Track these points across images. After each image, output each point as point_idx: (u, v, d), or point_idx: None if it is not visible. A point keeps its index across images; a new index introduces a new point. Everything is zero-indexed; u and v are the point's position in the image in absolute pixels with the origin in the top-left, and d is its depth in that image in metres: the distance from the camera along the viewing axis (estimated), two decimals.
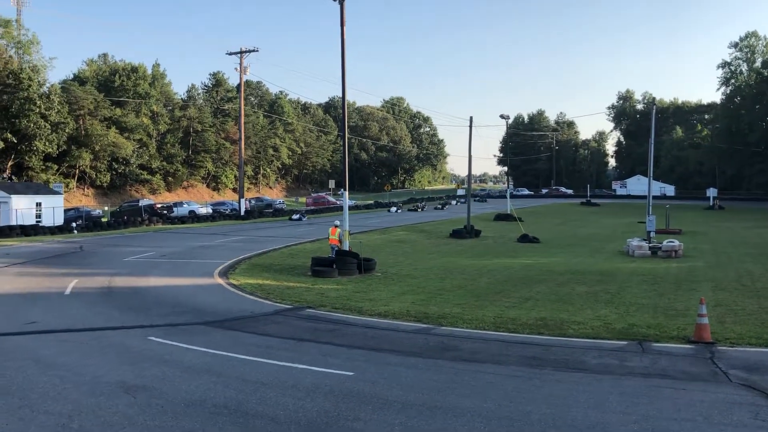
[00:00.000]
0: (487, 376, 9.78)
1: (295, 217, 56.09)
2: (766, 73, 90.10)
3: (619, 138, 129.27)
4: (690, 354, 11.33)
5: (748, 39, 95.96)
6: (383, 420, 7.69)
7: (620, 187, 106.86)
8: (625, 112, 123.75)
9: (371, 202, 78.06)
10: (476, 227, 42.24)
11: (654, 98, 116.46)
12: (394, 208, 68.74)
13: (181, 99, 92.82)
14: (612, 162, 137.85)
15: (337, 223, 26.53)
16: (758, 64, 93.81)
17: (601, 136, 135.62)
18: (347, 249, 25.18)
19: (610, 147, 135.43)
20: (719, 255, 30.13)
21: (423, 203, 78.39)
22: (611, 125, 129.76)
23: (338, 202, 64.13)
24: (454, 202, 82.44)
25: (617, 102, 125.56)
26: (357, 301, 17.31)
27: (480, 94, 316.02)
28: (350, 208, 42.66)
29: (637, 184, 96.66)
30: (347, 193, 26.92)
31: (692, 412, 8.08)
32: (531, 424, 7.58)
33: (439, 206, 76.22)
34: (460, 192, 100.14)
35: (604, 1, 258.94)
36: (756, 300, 17.26)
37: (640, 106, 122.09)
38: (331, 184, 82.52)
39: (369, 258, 24.53)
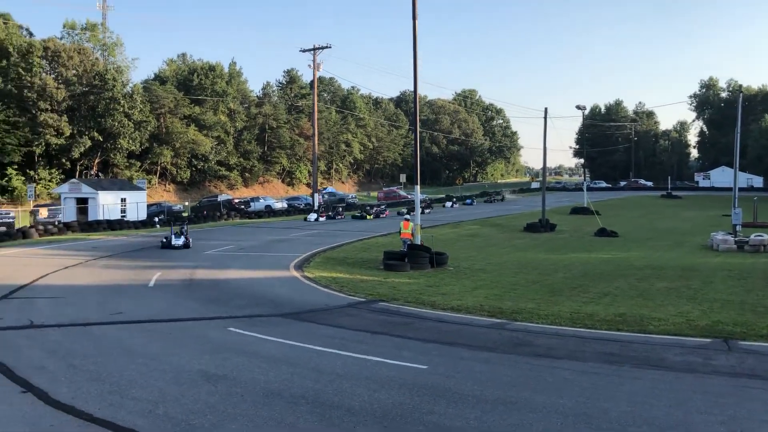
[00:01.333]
0: (563, 372, 9.61)
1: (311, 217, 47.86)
2: None
3: (701, 128, 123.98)
4: None
5: None
6: (458, 414, 7.68)
7: (703, 178, 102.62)
8: (708, 101, 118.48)
9: (443, 195, 77.72)
10: (551, 221, 41.55)
11: (740, 85, 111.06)
12: (313, 216, 48.39)
13: (257, 96, 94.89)
14: (694, 153, 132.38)
15: (408, 217, 26.60)
16: None
17: (682, 126, 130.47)
18: (419, 243, 25.21)
19: (692, 137, 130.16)
20: None
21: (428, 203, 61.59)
22: (693, 115, 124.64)
23: (409, 196, 64.20)
24: (449, 204, 66.69)
25: (700, 90, 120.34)
26: (429, 295, 17.33)
27: (555, 85, 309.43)
28: (422, 202, 42.50)
29: (721, 176, 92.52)
30: (419, 187, 26.93)
31: None
32: (609, 421, 7.40)
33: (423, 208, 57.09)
34: (534, 185, 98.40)
35: None
36: None
37: (724, 94, 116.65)
38: (402, 178, 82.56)
39: (441, 252, 24.48)
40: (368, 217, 49.87)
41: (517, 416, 7.58)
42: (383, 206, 58.75)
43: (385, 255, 24.14)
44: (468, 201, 72.05)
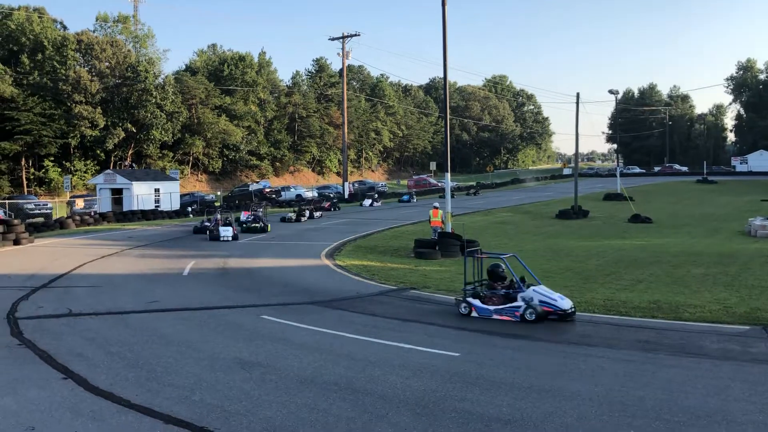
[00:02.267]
0: (597, 360, 9.52)
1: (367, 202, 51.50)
2: None
3: (738, 111, 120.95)
4: None
5: None
6: (490, 401, 7.67)
7: (740, 163, 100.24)
8: (745, 83, 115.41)
9: (473, 183, 77.27)
10: (584, 207, 41.08)
11: None
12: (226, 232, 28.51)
13: (287, 86, 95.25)
14: (731, 137, 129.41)
15: (436, 204, 26.51)
16: None
17: (718, 110, 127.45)
18: (450, 231, 25.13)
19: (729, 121, 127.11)
20: None
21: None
22: (730, 98, 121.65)
23: (439, 184, 63.97)
24: (367, 203, 52.21)
25: (737, 72, 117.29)
26: (461, 283, 17.24)
27: (587, 69, 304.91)
28: (452, 189, 42.30)
29: (759, 160, 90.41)
30: (449, 174, 26.82)
31: None
32: (645, 410, 7.32)
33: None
34: (566, 171, 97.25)
35: None
36: None
37: (763, 76, 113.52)
38: (432, 166, 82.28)
39: (472, 240, 24.34)
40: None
41: (551, 404, 7.54)
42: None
43: (416, 243, 24.12)
44: (405, 197, 56.14)
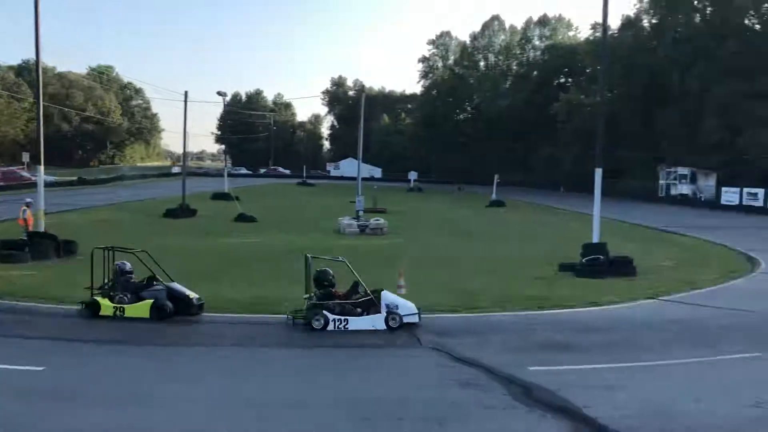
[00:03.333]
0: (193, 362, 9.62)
1: None
2: (457, 70, 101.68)
3: (333, 122, 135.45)
4: None
5: (443, 38, 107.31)
6: (80, 415, 7.15)
7: (334, 168, 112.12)
8: (338, 98, 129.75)
9: (75, 178, 71.18)
10: (193, 206, 41.12)
11: (363, 85, 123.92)
12: None
13: None
14: (327, 144, 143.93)
15: (29, 200, 23.75)
16: (451, 61, 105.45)
17: (316, 119, 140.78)
18: (43, 230, 22.74)
19: (325, 130, 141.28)
20: (418, 231, 33.36)
21: None
22: (326, 109, 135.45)
23: (33, 178, 57.40)
24: None
25: (331, 87, 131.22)
26: (55, 288, 15.71)
27: (199, 69, 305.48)
28: (49, 184, 38.36)
29: (349, 166, 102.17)
30: (42, 167, 24.33)
31: (388, 375, 8.88)
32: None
33: None
34: (176, 170, 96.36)
35: None
36: (447, 271, 19.47)
37: (352, 93, 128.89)
38: (26, 157, 73.39)
39: (70, 240, 22.47)
40: None
41: (145, 412, 7.37)
42: None
43: (0, 244, 21.20)
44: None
